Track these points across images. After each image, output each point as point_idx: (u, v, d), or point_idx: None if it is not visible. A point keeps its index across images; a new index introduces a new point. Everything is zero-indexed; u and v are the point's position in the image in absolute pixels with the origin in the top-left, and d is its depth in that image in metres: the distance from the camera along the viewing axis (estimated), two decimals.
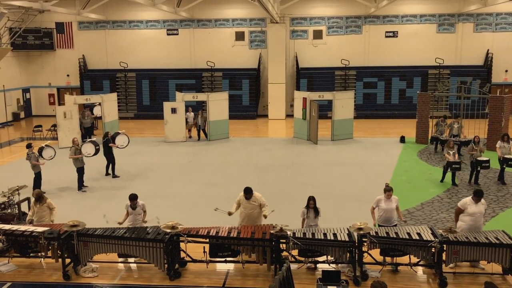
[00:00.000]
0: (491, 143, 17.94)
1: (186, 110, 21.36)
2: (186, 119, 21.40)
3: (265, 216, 9.06)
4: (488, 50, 27.05)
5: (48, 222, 9.46)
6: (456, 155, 14.18)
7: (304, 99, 20.87)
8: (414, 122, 20.30)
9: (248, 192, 9.10)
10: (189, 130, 21.83)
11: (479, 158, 13.70)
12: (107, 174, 15.55)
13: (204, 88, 28.05)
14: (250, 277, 8.49)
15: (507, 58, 26.95)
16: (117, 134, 16.33)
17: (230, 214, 9.19)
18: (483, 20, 27.02)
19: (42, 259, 8.86)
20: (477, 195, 8.59)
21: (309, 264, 8.63)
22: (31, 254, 8.87)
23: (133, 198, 9.25)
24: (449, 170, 13.70)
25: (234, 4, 27.95)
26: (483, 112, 20.75)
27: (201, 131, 21.39)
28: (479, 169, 13.75)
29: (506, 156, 13.68)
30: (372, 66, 27.85)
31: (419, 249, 8.06)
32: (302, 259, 8.52)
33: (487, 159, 13.74)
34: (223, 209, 9.22)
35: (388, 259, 8.50)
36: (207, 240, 8.51)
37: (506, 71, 27.24)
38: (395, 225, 8.89)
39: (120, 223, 9.19)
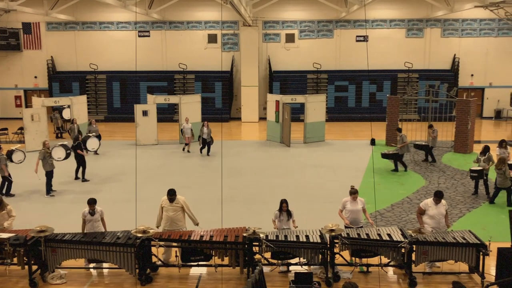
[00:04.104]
0: (458, 145, 18.48)
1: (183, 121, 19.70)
2: (182, 129, 19.61)
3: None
4: (455, 54, 27.80)
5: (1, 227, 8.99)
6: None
7: (277, 102, 20.97)
8: (384, 125, 20.66)
9: (172, 194, 8.88)
10: (186, 144, 19.45)
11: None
12: (76, 178, 15.22)
13: (176, 90, 27.83)
14: (223, 280, 8.45)
15: (473, 63, 27.74)
16: (87, 137, 16.09)
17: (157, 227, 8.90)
18: (450, 25, 27.77)
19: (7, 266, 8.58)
20: (437, 196, 8.77)
21: (282, 267, 8.65)
22: None
23: (91, 202, 8.95)
24: None
25: (207, 7, 27.85)
26: (451, 115, 21.31)
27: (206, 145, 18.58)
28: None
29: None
30: (343, 70, 28.21)
31: (390, 250, 8.20)
32: (275, 261, 8.52)
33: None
34: None
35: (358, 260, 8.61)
36: (179, 244, 8.44)
37: (472, 75, 28.03)
38: (361, 227, 8.96)
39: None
